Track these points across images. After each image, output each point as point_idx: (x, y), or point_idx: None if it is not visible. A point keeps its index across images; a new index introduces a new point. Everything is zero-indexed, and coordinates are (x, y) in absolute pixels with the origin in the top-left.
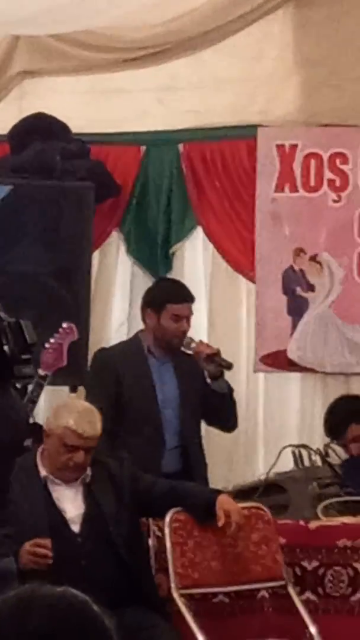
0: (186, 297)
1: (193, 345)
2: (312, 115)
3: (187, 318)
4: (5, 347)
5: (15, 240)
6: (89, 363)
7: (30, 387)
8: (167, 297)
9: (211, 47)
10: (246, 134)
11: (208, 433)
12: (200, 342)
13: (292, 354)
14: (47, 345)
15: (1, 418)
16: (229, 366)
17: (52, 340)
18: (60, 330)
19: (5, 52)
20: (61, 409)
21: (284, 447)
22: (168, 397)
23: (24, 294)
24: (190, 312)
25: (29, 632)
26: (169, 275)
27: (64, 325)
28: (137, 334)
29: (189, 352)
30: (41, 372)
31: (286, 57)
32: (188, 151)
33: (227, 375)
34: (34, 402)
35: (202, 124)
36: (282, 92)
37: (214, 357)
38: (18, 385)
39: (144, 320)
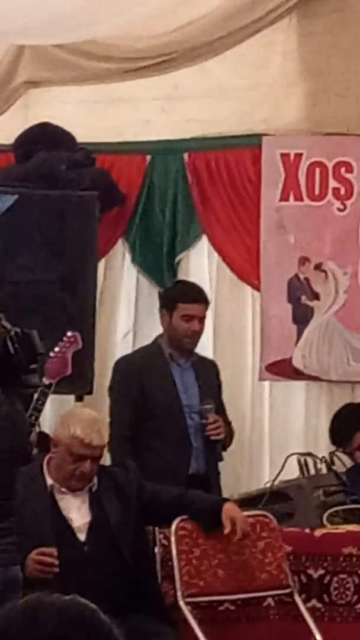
0: (197, 297)
1: (209, 416)
2: (316, 124)
3: (200, 319)
4: (14, 357)
5: (21, 250)
6: (111, 372)
7: (35, 396)
8: (178, 297)
9: (216, 57)
10: (251, 142)
11: None
12: (217, 420)
13: (297, 362)
14: (51, 354)
15: (7, 426)
16: (220, 457)
17: (56, 349)
18: (65, 339)
19: (10, 62)
20: (68, 418)
21: (289, 455)
22: (193, 402)
23: (29, 303)
24: (203, 314)
25: None
26: None
27: (68, 334)
28: (157, 339)
29: (203, 420)
30: (45, 381)
31: (290, 66)
32: (193, 160)
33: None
34: (38, 410)
35: (206, 133)
36: (286, 101)
37: (216, 440)
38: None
39: (161, 322)
